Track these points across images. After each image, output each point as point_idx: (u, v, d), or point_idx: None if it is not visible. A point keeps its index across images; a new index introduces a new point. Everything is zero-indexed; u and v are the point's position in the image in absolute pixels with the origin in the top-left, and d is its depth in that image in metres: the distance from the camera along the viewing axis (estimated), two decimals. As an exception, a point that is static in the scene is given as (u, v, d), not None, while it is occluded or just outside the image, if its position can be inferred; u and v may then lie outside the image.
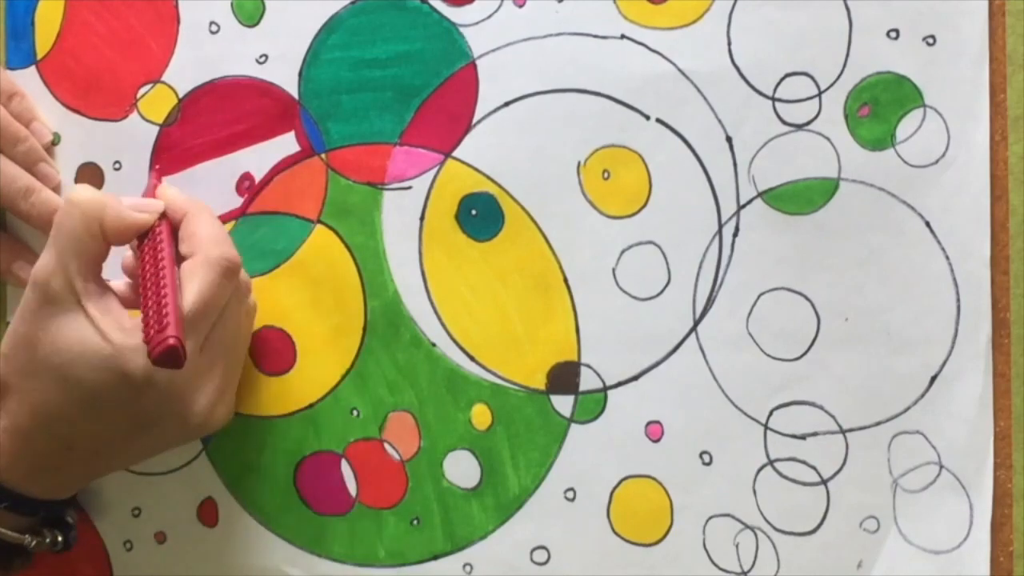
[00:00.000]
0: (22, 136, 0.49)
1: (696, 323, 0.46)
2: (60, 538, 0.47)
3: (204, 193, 0.50)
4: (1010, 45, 0.43)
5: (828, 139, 0.44)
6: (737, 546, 0.46)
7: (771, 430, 0.45)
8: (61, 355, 0.42)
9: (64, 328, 0.42)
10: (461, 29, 0.48)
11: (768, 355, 0.45)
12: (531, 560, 0.47)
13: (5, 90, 0.50)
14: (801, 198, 0.45)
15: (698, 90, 0.46)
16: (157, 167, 0.50)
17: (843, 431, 0.45)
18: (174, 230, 0.45)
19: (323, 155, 0.49)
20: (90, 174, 0.51)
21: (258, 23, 0.49)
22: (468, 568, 0.48)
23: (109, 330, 0.42)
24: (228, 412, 0.47)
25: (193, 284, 0.42)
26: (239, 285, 0.45)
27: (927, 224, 0.44)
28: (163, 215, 0.45)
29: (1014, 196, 0.43)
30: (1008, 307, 0.43)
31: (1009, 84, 0.43)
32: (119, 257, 0.47)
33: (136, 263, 0.45)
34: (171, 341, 0.39)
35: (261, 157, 0.50)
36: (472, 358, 0.48)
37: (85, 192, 0.43)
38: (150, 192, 0.48)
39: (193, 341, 0.42)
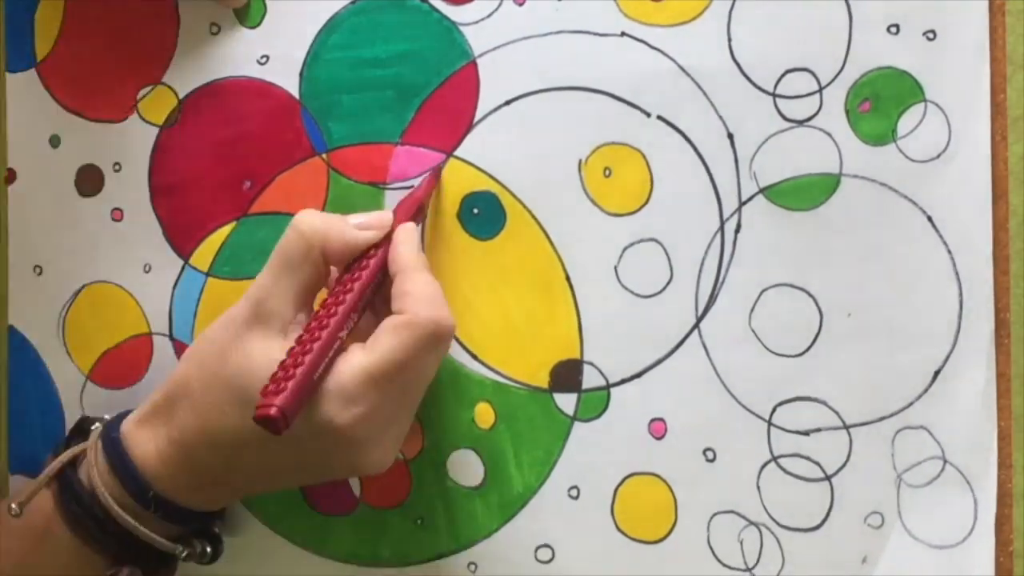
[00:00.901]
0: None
1: (699, 320, 0.46)
2: (208, 549, 0.47)
3: (205, 195, 0.50)
4: (1010, 45, 0.43)
5: (829, 135, 0.44)
6: (741, 542, 0.46)
7: (774, 426, 0.45)
8: (246, 377, 0.41)
9: (259, 350, 0.41)
10: (461, 28, 0.48)
11: (771, 351, 0.45)
12: (535, 558, 0.47)
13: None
14: (803, 194, 0.45)
15: (699, 87, 0.46)
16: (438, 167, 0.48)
17: (847, 427, 0.45)
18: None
19: (324, 155, 0.49)
20: (90, 176, 0.51)
21: (259, 24, 0.49)
22: (473, 567, 0.48)
23: None
24: (395, 455, 0.44)
25: (386, 344, 0.40)
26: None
27: (929, 219, 0.44)
28: (388, 237, 0.44)
29: (1014, 196, 0.43)
30: (1008, 307, 0.43)
31: (1009, 84, 0.43)
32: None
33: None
34: (272, 411, 0.37)
35: (262, 158, 0.50)
36: (475, 357, 0.48)
37: (308, 217, 0.42)
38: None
39: (370, 400, 0.40)
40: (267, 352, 0.41)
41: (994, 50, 0.43)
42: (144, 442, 0.44)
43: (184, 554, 0.45)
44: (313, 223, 0.42)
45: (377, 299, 0.44)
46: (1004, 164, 0.43)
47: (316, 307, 0.43)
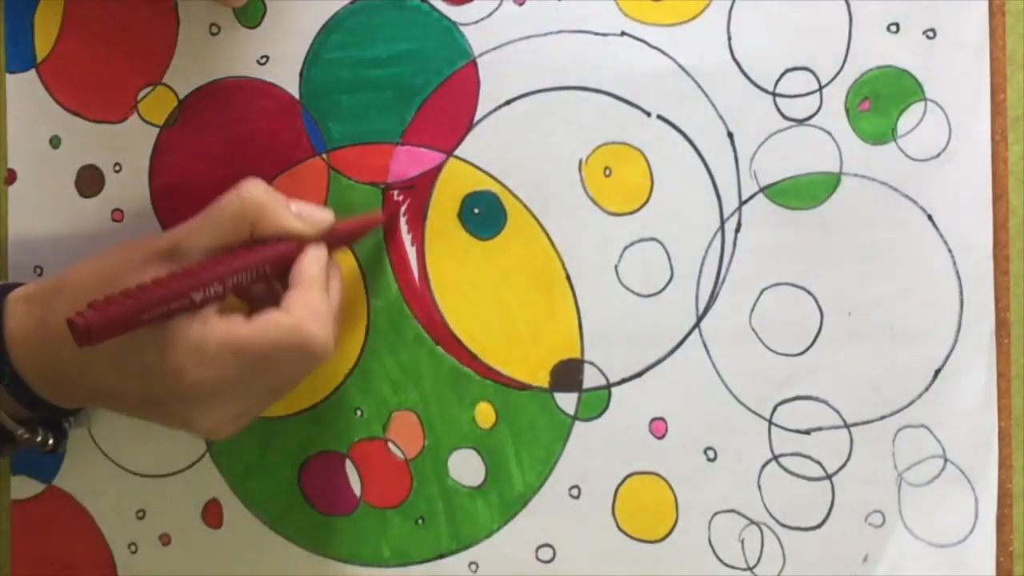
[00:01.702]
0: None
1: (699, 319, 0.46)
2: (51, 440, 0.46)
3: (205, 195, 0.50)
4: (1010, 45, 0.43)
5: (829, 134, 0.44)
6: (742, 542, 0.46)
7: (775, 425, 0.45)
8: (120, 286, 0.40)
9: (148, 272, 0.41)
10: (461, 28, 0.48)
11: (772, 350, 0.45)
12: (536, 558, 0.47)
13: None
14: (803, 193, 0.45)
15: (699, 86, 0.46)
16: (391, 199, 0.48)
17: (847, 426, 0.45)
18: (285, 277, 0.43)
19: (324, 155, 0.49)
20: (90, 176, 0.51)
21: (258, 24, 0.49)
22: (474, 567, 0.48)
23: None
24: (233, 431, 0.44)
25: (265, 330, 0.41)
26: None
27: (929, 217, 0.44)
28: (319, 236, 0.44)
29: (1014, 196, 0.43)
30: (1008, 307, 0.43)
31: (1009, 84, 0.43)
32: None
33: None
34: (78, 320, 0.37)
35: (262, 158, 0.50)
36: (475, 357, 0.48)
37: (252, 187, 0.43)
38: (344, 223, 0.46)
39: (231, 375, 0.41)
40: (143, 276, 0.41)
41: (994, 50, 0.43)
42: (19, 317, 0.43)
43: (25, 436, 0.45)
44: (255, 194, 0.42)
45: (259, 285, 0.44)
46: (1004, 164, 0.43)
47: None
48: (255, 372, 0.41)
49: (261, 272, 0.43)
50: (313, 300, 0.42)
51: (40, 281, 0.44)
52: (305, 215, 0.44)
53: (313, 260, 0.43)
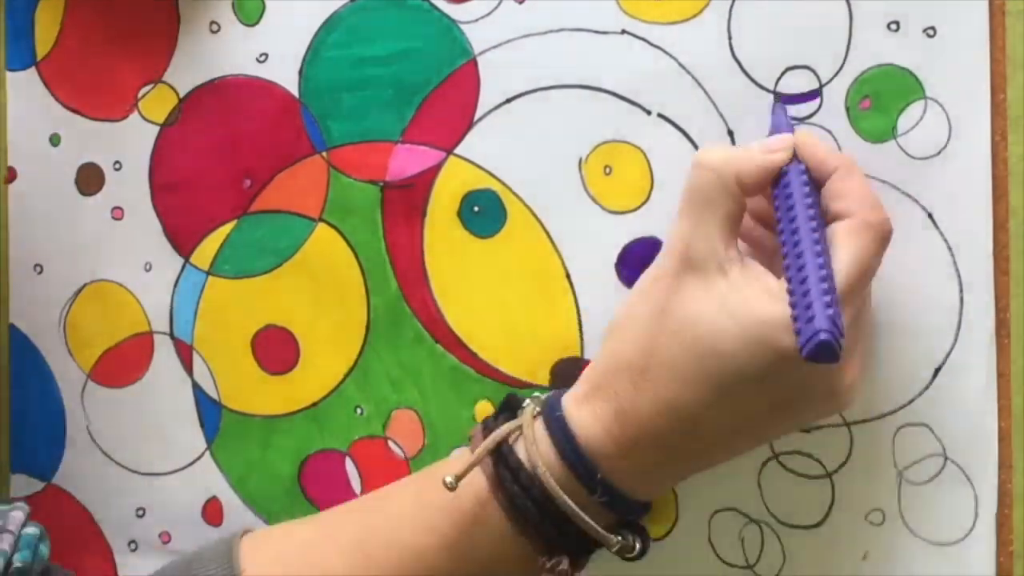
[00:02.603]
0: None
1: (699, 317, 0.46)
2: (638, 543, 0.42)
3: (205, 193, 0.50)
4: (1010, 45, 0.43)
5: (830, 132, 0.44)
6: (743, 540, 0.46)
7: (775, 424, 0.45)
8: (698, 327, 0.38)
9: (703, 297, 0.38)
10: (461, 26, 0.48)
11: (772, 349, 0.45)
12: (536, 556, 0.47)
13: None
14: (803, 191, 0.45)
15: (699, 84, 0.46)
16: (782, 102, 0.44)
17: (847, 424, 0.45)
18: (816, 184, 0.40)
19: (324, 153, 0.49)
20: (90, 174, 0.51)
21: (258, 22, 0.49)
22: (474, 565, 0.48)
23: (756, 297, 0.37)
24: (862, 384, 0.41)
25: (850, 251, 0.38)
26: None
27: (929, 216, 0.44)
28: (794, 155, 0.40)
29: (1014, 196, 0.43)
30: (1008, 307, 0.43)
31: (1009, 84, 0.43)
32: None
33: (764, 215, 0.41)
34: (822, 336, 0.34)
35: (262, 156, 0.50)
36: (475, 355, 0.48)
37: (714, 152, 0.40)
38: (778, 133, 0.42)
39: (847, 313, 0.37)
40: (714, 295, 0.38)
41: (994, 50, 0.43)
42: (587, 420, 0.40)
43: (619, 546, 0.41)
44: (724, 156, 0.40)
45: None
46: (1004, 164, 0.43)
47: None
48: (861, 295, 0.39)
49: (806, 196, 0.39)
50: (856, 185, 0.39)
51: (579, 383, 0.42)
52: (771, 147, 0.40)
53: (819, 145, 0.40)
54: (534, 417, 0.41)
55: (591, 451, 0.40)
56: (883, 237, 0.39)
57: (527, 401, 0.43)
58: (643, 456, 0.40)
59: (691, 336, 0.38)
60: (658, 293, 0.39)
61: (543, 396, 0.43)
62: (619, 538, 0.41)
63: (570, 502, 0.39)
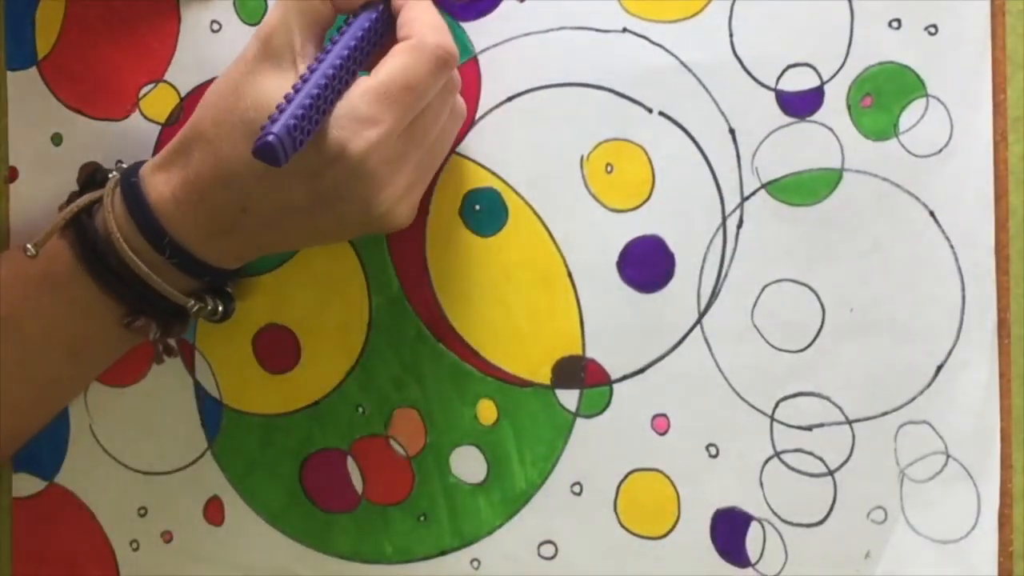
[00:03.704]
0: None
1: (701, 316, 0.46)
2: (220, 307, 0.46)
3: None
4: (1010, 45, 0.43)
5: (831, 130, 0.44)
6: (744, 538, 0.46)
7: (777, 422, 0.45)
8: (258, 110, 0.40)
9: (270, 83, 0.41)
10: (462, 24, 0.48)
11: (773, 347, 0.45)
12: (539, 555, 0.47)
13: None
14: (805, 189, 0.45)
15: (700, 83, 0.46)
16: None
17: (849, 422, 0.45)
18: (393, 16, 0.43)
19: (326, 152, 0.49)
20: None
21: (259, 21, 0.49)
22: (476, 564, 0.48)
23: None
24: (411, 213, 0.44)
25: (396, 61, 0.40)
26: (449, 81, 0.43)
27: (931, 213, 0.44)
28: None
29: (1014, 196, 0.43)
30: (1008, 307, 0.43)
31: (1009, 84, 0.43)
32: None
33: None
34: (269, 138, 0.37)
35: (263, 155, 0.49)
36: (477, 353, 0.48)
37: None
38: None
39: (385, 123, 0.40)
40: (279, 86, 0.40)
41: (994, 50, 0.43)
42: (160, 186, 0.43)
43: (195, 308, 0.45)
44: None
45: (384, 40, 0.43)
46: (1004, 164, 0.43)
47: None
48: (407, 110, 0.41)
49: (383, 23, 0.43)
50: (424, 13, 0.42)
51: (162, 151, 0.44)
52: None
53: None
54: (114, 188, 0.44)
55: (160, 214, 0.43)
56: (436, 57, 0.41)
57: (112, 172, 0.46)
58: (207, 222, 0.43)
59: (251, 118, 0.40)
60: (237, 73, 0.42)
61: (127, 166, 0.46)
62: (194, 302, 0.45)
63: (141, 264, 0.43)
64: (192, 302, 0.45)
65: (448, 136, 0.45)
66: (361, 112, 0.40)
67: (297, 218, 0.43)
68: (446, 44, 0.41)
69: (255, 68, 0.41)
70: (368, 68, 0.42)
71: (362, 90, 0.40)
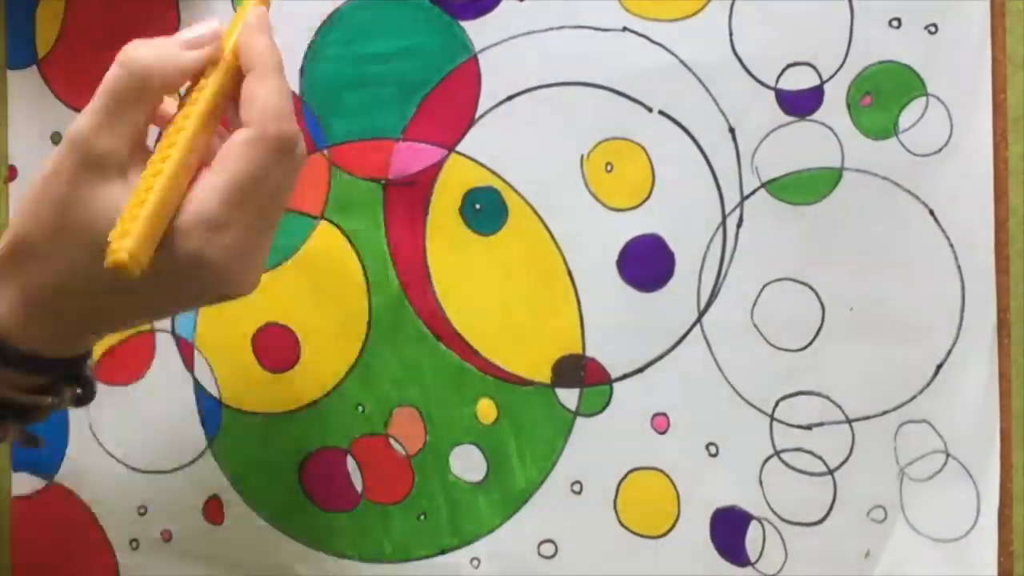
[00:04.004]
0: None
1: (701, 315, 0.46)
2: (79, 390, 0.44)
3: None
4: (1010, 45, 0.43)
5: (831, 129, 0.44)
6: (744, 538, 0.46)
7: (777, 421, 0.45)
8: (98, 223, 0.38)
9: (104, 196, 0.38)
10: (462, 23, 0.48)
11: (773, 346, 0.45)
12: (538, 553, 0.47)
13: None
14: (805, 188, 0.45)
15: (700, 82, 0.46)
16: None
17: (849, 421, 0.45)
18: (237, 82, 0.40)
19: (325, 151, 0.49)
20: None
21: (259, 20, 0.49)
22: (476, 562, 0.48)
23: None
24: (260, 276, 0.42)
25: (239, 157, 0.38)
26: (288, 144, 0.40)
27: (931, 212, 0.44)
28: (221, 48, 0.39)
29: (1014, 196, 0.43)
30: (1008, 307, 0.43)
31: (1009, 84, 0.43)
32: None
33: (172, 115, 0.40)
34: (122, 256, 0.35)
35: (263, 154, 0.49)
36: (477, 352, 0.48)
37: (135, 51, 0.38)
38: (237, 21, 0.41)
39: (236, 228, 0.38)
40: (109, 198, 0.38)
41: (994, 50, 0.43)
42: None
43: (53, 403, 0.42)
44: (140, 57, 0.38)
45: (231, 105, 0.40)
46: (1004, 164, 0.43)
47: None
48: (256, 205, 0.39)
49: (224, 93, 0.39)
50: (266, 93, 0.39)
51: None
52: (196, 41, 0.40)
53: (256, 35, 0.40)
54: None
55: (1, 330, 0.41)
56: (278, 149, 0.38)
57: None
58: (52, 331, 0.41)
59: (91, 232, 0.38)
60: (59, 187, 0.38)
61: None
62: (50, 397, 0.42)
63: None
64: (48, 399, 0.42)
65: (289, 196, 0.42)
66: (212, 216, 0.38)
67: (154, 312, 0.42)
68: (288, 131, 0.39)
69: (77, 180, 0.38)
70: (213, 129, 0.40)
71: (209, 191, 0.38)
